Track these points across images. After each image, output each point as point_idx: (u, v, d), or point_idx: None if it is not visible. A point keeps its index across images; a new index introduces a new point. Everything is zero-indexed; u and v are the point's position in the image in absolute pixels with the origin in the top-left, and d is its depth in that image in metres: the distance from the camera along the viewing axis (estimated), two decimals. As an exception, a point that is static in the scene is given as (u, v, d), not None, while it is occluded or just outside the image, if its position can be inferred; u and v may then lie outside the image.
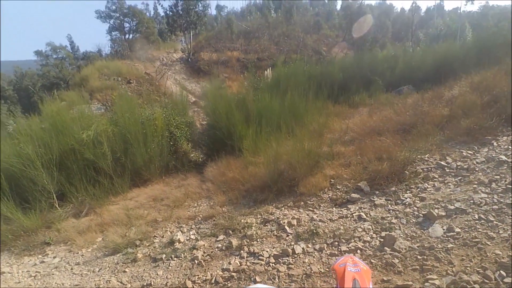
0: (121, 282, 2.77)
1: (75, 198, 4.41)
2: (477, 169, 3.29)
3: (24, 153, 4.23)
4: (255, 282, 2.48)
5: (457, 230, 2.45)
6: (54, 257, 3.44)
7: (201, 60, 18.83)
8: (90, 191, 4.50)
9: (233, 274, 2.63)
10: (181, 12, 19.70)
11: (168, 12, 20.48)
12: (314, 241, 2.90)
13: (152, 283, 2.69)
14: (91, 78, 11.29)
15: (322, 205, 3.61)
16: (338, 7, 36.29)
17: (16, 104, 18.99)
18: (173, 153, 5.91)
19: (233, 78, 15.91)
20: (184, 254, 3.07)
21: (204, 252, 3.05)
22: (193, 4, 19.58)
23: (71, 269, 3.17)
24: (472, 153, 3.68)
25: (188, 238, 3.39)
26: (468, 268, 2.04)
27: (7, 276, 3.18)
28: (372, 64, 10.31)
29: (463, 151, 3.76)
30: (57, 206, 4.35)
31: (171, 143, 5.84)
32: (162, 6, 20.92)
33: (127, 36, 22.17)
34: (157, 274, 2.82)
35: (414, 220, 2.79)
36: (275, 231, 3.21)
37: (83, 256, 3.40)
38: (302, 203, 3.72)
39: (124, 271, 2.94)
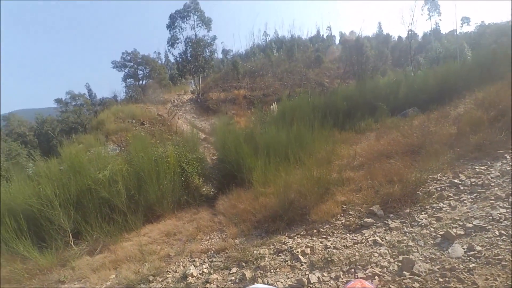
0: (133, 320, 2.70)
1: (90, 236, 4.46)
2: (492, 184, 3.21)
3: (43, 193, 4.39)
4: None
5: (478, 248, 2.35)
6: (68, 296, 3.41)
7: (209, 99, 19.69)
8: (104, 229, 4.55)
9: (248, 307, 2.54)
10: (190, 58, 21.14)
11: (178, 58, 22.03)
12: (329, 269, 2.81)
13: (165, 320, 2.61)
14: (107, 121, 11.92)
15: (335, 232, 3.53)
16: (337, 41, 38.18)
17: (36, 148, 19.88)
18: (185, 188, 5.98)
19: (241, 114, 16.43)
20: (197, 288, 2.99)
21: (218, 286, 2.98)
22: (200, 50, 21.05)
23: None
24: (485, 168, 3.61)
25: (201, 272, 3.32)
26: None
27: None
28: (375, 91, 10.55)
29: (475, 167, 3.70)
30: (72, 244, 4.39)
31: (182, 178, 5.94)
32: (172, 54, 22.43)
33: (140, 82, 23.68)
34: (170, 310, 2.74)
35: (432, 242, 2.69)
36: (288, 261, 3.13)
37: (97, 294, 3.35)
38: (315, 231, 3.64)
39: (137, 309, 2.87)
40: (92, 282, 3.54)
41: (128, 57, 23.01)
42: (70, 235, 4.42)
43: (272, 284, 2.81)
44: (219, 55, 32.53)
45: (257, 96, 19.61)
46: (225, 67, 28.54)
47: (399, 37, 34.86)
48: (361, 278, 2.48)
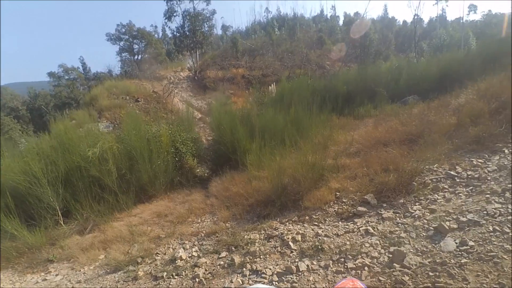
0: (120, 302, 2.70)
1: (80, 215, 4.41)
2: (489, 178, 3.16)
3: (30, 171, 4.28)
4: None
5: (471, 243, 2.31)
6: (57, 275, 3.40)
7: (207, 77, 19.21)
8: (95, 208, 4.50)
9: (235, 292, 2.53)
10: (187, 33, 20.35)
11: (175, 33, 21.21)
12: (319, 257, 2.79)
13: (152, 303, 2.61)
14: (101, 97, 11.60)
15: (327, 219, 3.50)
16: (341, 22, 37.03)
17: (29, 124, 19.60)
18: (178, 169, 5.91)
19: (239, 94, 16.10)
20: (185, 272, 2.98)
21: (206, 270, 2.96)
22: (199, 25, 20.23)
23: (72, 287, 3.11)
24: (482, 161, 3.55)
25: (190, 255, 3.31)
26: (484, 285, 1.90)
27: None
28: (376, 76, 10.31)
29: (473, 159, 3.63)
30: (61, 223, 4.35)
31: (176, 159, 5.85)
32: (169, 27, 21.57)
33: (136, 57, 22.95)
34: (157, 293, 2.74)
35: (424, 234, 2.66)
36: (278, 247, 3.11)
37: (85, 274, 3.34)
38: (307, 217, 3.61)
39: (125, 290, 2.86)
40: (80, 262, 3.53)
41: (123, 30, 22.14)
42: (60, 214, 4.37)
43: (260, 271, 2.79)
44: (218, 31, 31.56)
45: (256, 76, 19.18)
46: (224, 44, 27.72)
47: (404, 22, 33.93)
48: (349, 272, 2.45)
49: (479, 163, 3.51)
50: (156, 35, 29.90)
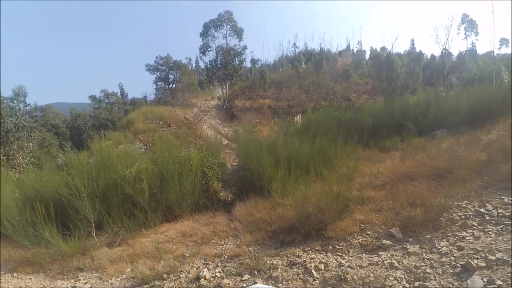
0: (146, 313, 2.83)
1: (111, 229, 4.71)
2: (508, 215, 3.04)
3: (72, 184, 4.73)
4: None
5: (499, 282, 2.24)
6: (85, 283, 3.62)
7: (235, 107, 20.08)
8: (125, 223, 4.79)
9: (256, 314, 2.57)
10: (219, 66, 21.83)
11: (208, 65, 22.81)
12: (342, 287, 2.78)
13: (176, 317, 2.71)
14: (136, 121, 12.55)
15: (351, 250, 3.48)
16: (367, 56, 37.59)
17: (68, 140, 21.34)
18: (204, 192, 6.14)
19: (264, 123, 16.58)
20: (208, 291, 3.08)
21: (228, 291, 3.04)
22: (230, 59, 21.68)
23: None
24: (515, 200, 3.42)
25: (213, 275, 3.40)
26: (512, 324, 1.83)
27: None
28: (403, 109, 10.27)
29: (504, 197, 3.51)
30: (94, 235, 4.66)
31: (203, 182, 6.10)
32: (203, 61, 23.39)
33: (170, 85, 24.69)
34: (181, 308, 2.85)
35: (451, 271, 2.60)
36: (301, 275, 3.13)
37: (112, 284, 3.53)
38: (330, 247, 3.62)
39: (150, 303, 3.00)
40: (108, 273, 3.74)
41: (161, 61, 24.09)
42: (93, 226, 4.70)
43: (282, 295, 2.83)
44: (247, 64, 33.19)
45: (282, 107, 19.72)
46: (253, 76, 29.04)
47: (432, 55, 33.68)
48: None
49: (510, 201, 3.39)
50: (190, 67, 32.19)
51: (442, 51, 15.04)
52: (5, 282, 3.82)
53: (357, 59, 35.46)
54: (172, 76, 24.23)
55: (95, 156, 5.82)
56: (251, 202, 5.36)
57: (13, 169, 8.09)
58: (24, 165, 8.57)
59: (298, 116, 14.74)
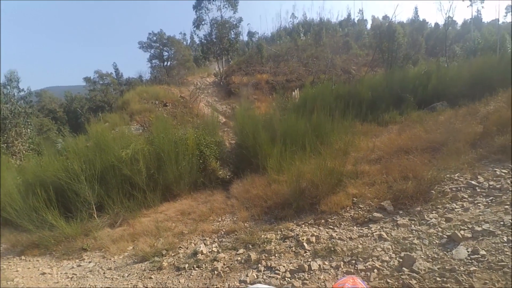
0: (146, 287, 2.99)
1: (112, 210, 4.84)
2: (511, 189, 3.08)
3: (71, 168, 4.78)
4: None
5: (483, 252, 2.32)
6: (90, 262, 3.80)
7: (232, 83, 19.70)
8: (125, 204, 4.91)
9: (249, 286, 2.70)
10: (214, 40, 21.12)
11: (203, 40, 22.08)
12: (331, 258, 2.89)
13: (174, 290, 2.87)
14: (132, 101, 12.41)
15: (343, 223, 3.58)
16: (368, 26, 36.25)
17: (65, 125, 21.31)
18: (202, 171, 6.21)
19: (262, 100, 16.35)
20: (205, 265, 3.22)
21: (224, 264, 3.17)
22: (226, 32, 20.91)
23: (104, 273, 3.47)
24: (506, 171, 3.45)
25: (210, 250, 3.54)
26: (490, 292, 1.92)
27: (47, 276, 3.58)
28: (403, 82, 10.08)
29: (496, 170, 3.54)
30: (95, 216, 4.80)
31: (200, 161, 6.16)
32: (197, 35, 22.62)
33: (165, 63, 24.11)
34: (179, 281, 2.99)
35: (437, 242, 2.68)
36: (293, 247, 3.25)
37: (115, 262, 3.70)
38: (322, 221, 3.72)
39: (150, 278, 3.16)
40: (111, 251, 3.90)
41: (154, 38, 23.37)
42: (94, 208, 4.83)
43: (274, 267, 2.95)
44: (244, 37, 32.19)
45: (280, 82, 19.33)
46: (250, 50, 28.23)
47: (436, 24, 32.32)
48: (359, 273, 2.54)
49: (503, 174, 3.42)
50: (184, 43, 31.25)
51: (445, 20, 14.41)
52: (14, 264, 4.01)
53: (358, 29, 34.20)
54: (166, 53, 23.64)
55: (91, 139, 5.83)
56: (248, 180, 5.45)
57: (14, 156, 8.16)
58: (24, 152, 8.63)
59: (296, 91, 14.49)
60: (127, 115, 10.85)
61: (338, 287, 1.29)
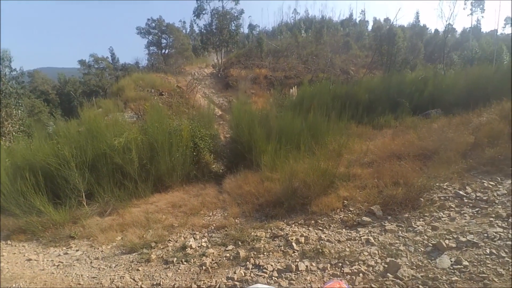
0: (133, 279, 2.99)
1: (102, 198, 4.79)
2: (496, 202, 3.17)
3: (61, 153, 4.70)
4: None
5: (465, 263, 2.38)
6: (77, 250, 3.77)
7: (230, 76, 19.53)
8: (115, 193, 4.86)
9: (237, 283, 2.74)
10: (214, 31, 20.82)
11: (202, 30, 21.76)
12: (318, 260, 2.93)
13: (161, 283, 2.88)
14: (127, 88, 12.20)
15: (332, 225, 3.63)
16: (370, 27, 36.24)
17: (57, 108, 20.87)
18: (195, 163, 6.18)
19: (260, 94, 16.29)
20: (193, 259, 3.23)
21: (213, 260, 3.19)
22: (226, 23, 20.62)
23: (91, 262, 3.45)
24: (494, 184, 3.53)
25: (199, 245, 3.55)
26: (469, 302, 1.99)
27: (33, 263, 3.54)
28: (400, 86, 10.17)
29: (484, 181, 3.62)
30: (84, 204, 4.75)
31: (194, 153, 6.13)
32: (197, 24, 22.27)
33: (163, 51, 23.72)
34: (166, 275, 3.00)
35: (422, 249, 2.74)
36: (282, 247, 3.28)
37: (103, 252, 3.68)
38: (312, 221, 3.76)
39: (138, 270, 3.16)
40: (99, 241, 3.88)
41: (153, 24, 22.93)
42: (84, 195, 4.77)
43: (262, 266, 2.98)
44: (245, 29, 31.83)
45: (278, 78, 19.26)
46: (250, 44, 27.97)
47: (436, 30, 32.56)
48: (344, 276, 2.59)
49: (490, 186, 3.50)
50: (184, 31, 30.75)
51: (445, 27, 14.50)
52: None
53: (359, 30, 34.18)
54: (164, 41, 23.25)
55: (84, 124, 5.73)
56: (241, 175, 5.46)
57: (3, 138, 7.98)
58: (14, 133, 8.44)
59: (294, 88, 14.47)
60: (121, 102, 10.68)
61: None
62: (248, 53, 23.79)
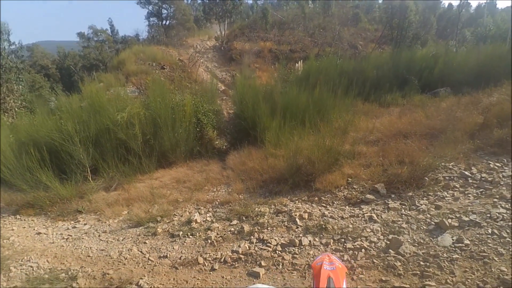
0: (141, 252, 3.09)
1: (107, 174, 4.85)
2: (501, 183, 3.15)
3: (64, 128, 4.69)
4: (260, 266, 2.65)
5: (467, 242, 2.42)
6: (85, 224, 3.88)
7: (233, 49, 18.93)
8: (120, 168, 4.91)
9: (241, 256, 2.83)
10: (217, 0, 19.90)
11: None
12: (321, 235, 3.00)
13: (168, 256, 2.98)
14: (128, 61, 11.92)
15: (335, 202, 3.66)
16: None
17: (58, 83, 20.58)
18: (198, 139, 6.18)
19: (264, 69, 15.88)
20: (199, 233, 3.32)
21: (218, 234, 3.27)
22: (230, -8, 19.66)
23: (99, 236, 3.56)
24: (500, 165, 3.50)
25: (204, 219, 3.64)
26: (469, 280, 2.04)
27: (43, 236, 3.66)
28: (410, 62, 9.82)
29: (490, 162, 3.58)
30: (90, 179, 4.82)
31: (197, 129, 6.10)
32: (199, -7, 21.34)
33: (164, 22, 22.87)
34: (173, 248, 3.10)
35: (425, 227, 2.78)
36: (286, 222, 3.34)
37: (110, 225, 3.79)
38: (316, 198, 3.79)
39: (145, 242, 3.26)
40: (106, 215, 3.98)
41: (154, -7, 21.95)
42: (89, 171, 4.82)
43: (266, 240, 3.06)
44: (249, -1, 30.37)
45: (283, 51, 18.66)
46: (254, 15, 26.83)
47: (450, 5, 30.90)
48: (347, 252, 2.66)
49: (496, 167, 3.47)
50: (185, 1, 29.40)
51: (460, 1, 13.65)
52: (9, 223, 4.07)
53: (369, 2, 32.51)
54: (165, 11, 22.34)
55: (86, 100, 5.66)
56: (245, 151, 5.45)
57: (6, 114, 7.94)
58: (16, 109, 8.37)
59: (299, 62, 14.07)
60: (122, 76, 10.47)
61: (317, 265, 1.29)
62: (252, 24, 22.88)
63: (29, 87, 12.20)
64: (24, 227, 3.93)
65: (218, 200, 4.14)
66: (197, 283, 2.52)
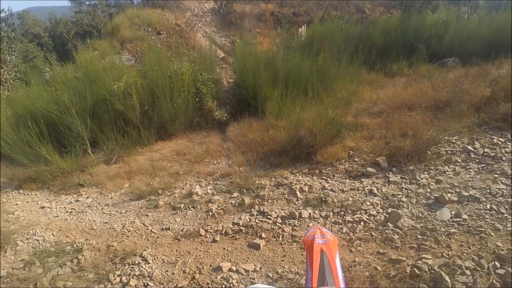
0: (143, 224, 3.17)
1: (106, 146, 4.82)
2: (503, 159, 3.13)
3: (60, 100, 4.57)
4: (261, 237, 2.72)
5: (465, 217, 2.45)
6: (87, 198, 3.93)
7: (233, 12, 17.92)
8: (119, 141, 4.87)
9: (242, 228, 2.89)
10: (215, -43, 18.41)
11: (202, -44, 19.20)
12: (321, 208, 3.04)
13: (170, 228, 3.05)
14: (122, 27, 11.31)
15: (336, 175, 3.67)
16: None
17: (52, 52, 19.75)
18: (198, 110, 6.05)
19: (265, 34, 15.15)
20: (200, 205, 3.37)
21: (218, 206, 3.32)
22: None
23: (102, 209, 3.62)
24: (503, 141, 3.45)
25: (205, 192, 3.67)
26: (465, 254, 2.08)
27: (47, 210, 3.72)
28: (419, 29, 9.33)
29: (494, 137, 3.53)
30: (90, 152, 4.80)
31: (196, 99, 5.95)
32: None
33: (159, -19, 21.36)
34: (175, 220, 3.17)
35: (424, 202, 2.81)
36: (286, 195, 3.38)
37: (112, 198, 3.84)
38: (317, 171, 3.79)
39: (147, 215, 3.33)
40: (108, 188, 4.01)
41: None
42: (88, 143, 4.79)
43: (267, 212, 3.11)
44: (249, -44, 28.04)
45: (286, 15, 17.69)
46: (255, -26, 25.00)
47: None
48: (346, 224, 2.70)
49: (499, 142, 3.42)
50: (181, -43, 27.18)
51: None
52: (13, 198, 4.11)
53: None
54: (161, -31, 20.72)
55: (81, 70, 5.45)
56: (245, 123, 5.38)
57: (1, 86, 7.69)
58: (11, 81, 8.10)
59: (303, 27, 13.37)
60: (117, 43, 10.00)
61: (309, 239, 1.28)
62: (253, -15, 21.41)
63: (22, 58, 11.73)
64: (28, 202, 3.98)
65: (219, 173, 4.15)
66: (199, 254, 2.60)
